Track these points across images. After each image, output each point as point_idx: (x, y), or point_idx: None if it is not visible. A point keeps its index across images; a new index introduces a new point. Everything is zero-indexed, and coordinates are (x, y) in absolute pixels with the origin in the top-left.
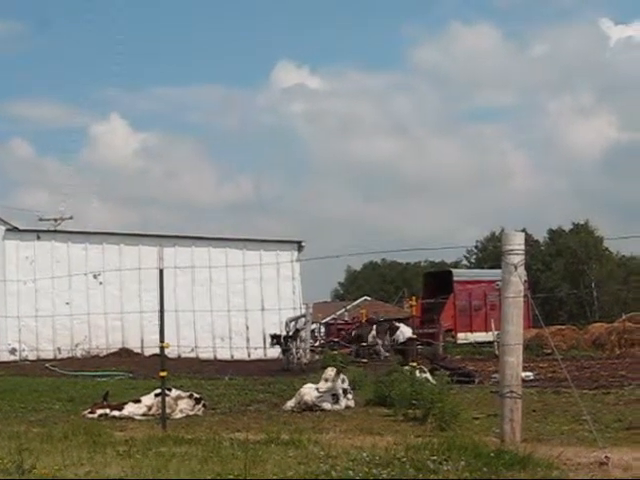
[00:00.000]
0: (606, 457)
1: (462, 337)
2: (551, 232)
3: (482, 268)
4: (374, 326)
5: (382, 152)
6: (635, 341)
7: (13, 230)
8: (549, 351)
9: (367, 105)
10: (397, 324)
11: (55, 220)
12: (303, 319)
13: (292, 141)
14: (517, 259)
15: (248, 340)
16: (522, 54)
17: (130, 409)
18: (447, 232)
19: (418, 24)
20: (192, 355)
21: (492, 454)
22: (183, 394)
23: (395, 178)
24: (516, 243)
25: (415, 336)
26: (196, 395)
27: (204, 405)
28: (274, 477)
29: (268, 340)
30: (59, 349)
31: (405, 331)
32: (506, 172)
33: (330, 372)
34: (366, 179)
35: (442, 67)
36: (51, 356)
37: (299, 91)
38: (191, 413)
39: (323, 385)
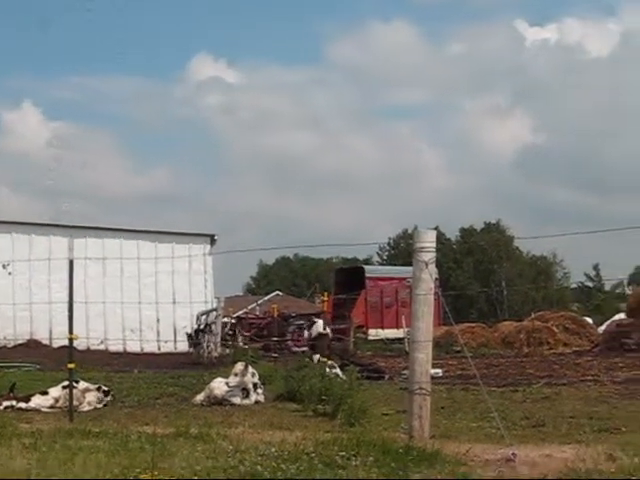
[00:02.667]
0: (513, 454)
1: (373, 333)
2: (463, 231)
3: (394, 265)
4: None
5: (298, 147)
6: (543, 340)
7: None
8: (459, 348)
9: (284, 99)
10: (315, 319)
11: None
12: (214, 313)
13: (208, 134)
14: (428, 257)
15: (158, 333)
16: (439, 53)
17: (37, 401)
18: (360, 228)
19: (336, 20)
20: (101, 347)
21: (400, 450)
22: (91, 387)
23: (311, 173)
24: (427, 241)
25: (327, 332)
26: (104, 388)
27: (112, 398)
28: (182, 471)
29: (180, 336)
30: None
31: (318, 326)
32: (420, 170)
33: (240, 366)
34: (281, 173)
35: (359, 63)
36: None
37: (216, 84)
38: (99, 406)
39: (233, 379)
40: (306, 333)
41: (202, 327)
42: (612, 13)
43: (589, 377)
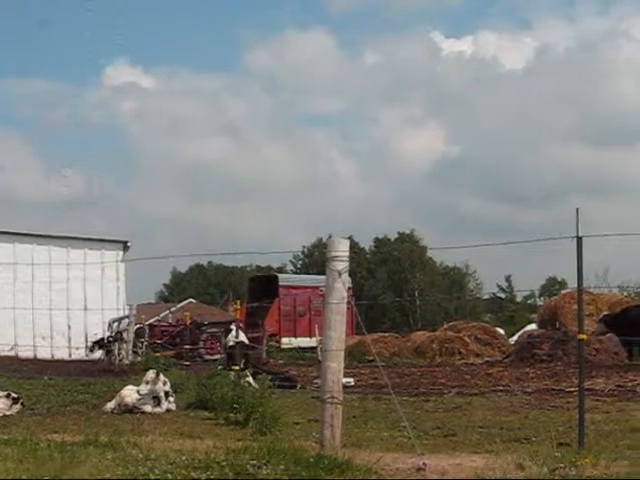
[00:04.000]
0: (423, 463)
1: (286, 342)
2: (377, 240)
3: (308, 274)
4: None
5: (213, 154)
6: (455, 350)
7: None
8: (371, 358)
9: (199, 106)
10: (232, 327)
11: None
12: (126, 320)
13: (123, 139)
14: (341, 266)
15: (70, 340)
16: (355, 62)
17: None
18: (275, 237)
19: (252, 27)
20: (12, 354)
21: (312, 459)
22: (0, 393)
23: (226, 180)
24: (341, 250)
25: (241, 340)
26: (14, 395)
27: (22, 405)
28: (90, 479)
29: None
30: None
31: (232, 335)
32: (335, 179)
33: (151, 374)
34: (197, 180)
35: (275, 71)
36: None
37: (131, 90)
38: (8, 413)
39: (144, 387)
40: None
41: (114, 334)
42: (527, 27)
43: (500, 387)
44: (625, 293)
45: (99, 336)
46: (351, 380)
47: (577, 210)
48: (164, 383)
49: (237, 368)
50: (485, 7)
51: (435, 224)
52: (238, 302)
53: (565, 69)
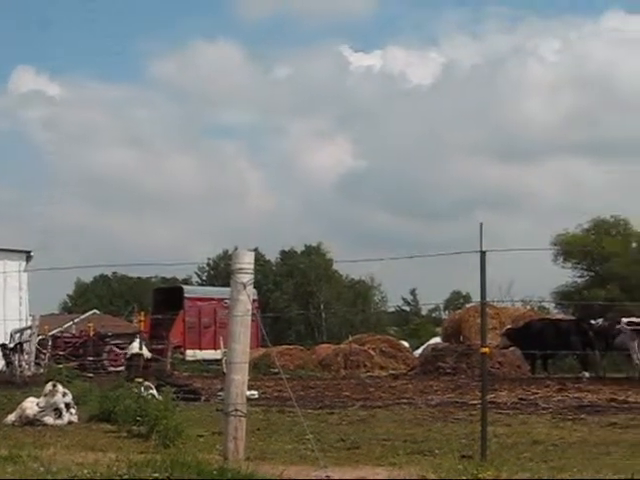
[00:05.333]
0: (327, 476)
1: (191, 354)
2: (283, 253)
3: (214, 285)
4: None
5: (120, 164)
6: (360, 362)
7: None
8: (276, 370)
9: (105, 116)
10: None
11: None
12: (29, 331)
13: (29, 148)
14: (246, 278)
15: None
16: (265, 75)
17: None
18: (181, 248)
19: (159, 38)
20: None
21: (215, 472)
22: None
23: (132, 191)
24: (246, 262)
25: (142, 352)
26: None
27: None
28: None
29: None
30: None
31: (133, 347)
32: (243, 191)
33: (49, 386)
34: (102, 191)
35: (183, 82)
36: None
37: (37, 97)
38: None
39: (43, 400)
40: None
41: (15, 345)
42: (434, 43)
43: (404, 400)
44: (528, 307)
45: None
46: (255, 393)
47: (481, 225)
48: (64, 395)
49: (139, 380)
50: (393, 22)
51: (342, 237)
52: (143, 314)
53: (471, 85)
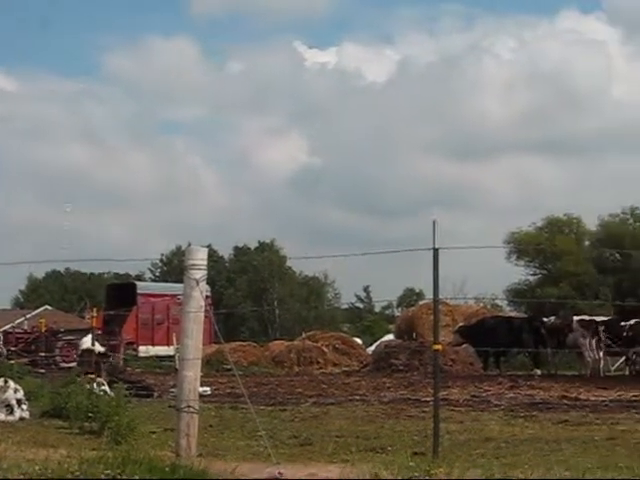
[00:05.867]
0: (279, 472)
1: (143, 350)
2: (237, 249)
3: (167, 282)
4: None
5: (74, 159)
6: (313, 359)
7: None
8: (229, 367)
9: (60, 110)
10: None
11: None
12: None
13: None
14: (199, 274)
15: None
16: (219, 71)
17: None
18: (135, 244)
19: (115, 32)
20: None
21: (167, 468)
22: None
23: (87, 187)
24: (199, 258)
25: (94, 348)
26: None
27: None
28: None
29: None
30: None
31: (84, 342)
32: (197, 187)
33: (2, 382)
34: (55, 186)
35: (138, 77)
36: None
37: None
38: None
39: None
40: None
41: None
42: (390, 41)
43: (357, 397)
44: (481, 304)
45: None
46: (208, 389)
47: (434, 222)
48: (15, 391)
49: (91, 377)
50: (349, 19)
51: (296, 234)
52: (95, 310)
53: (427, 83)
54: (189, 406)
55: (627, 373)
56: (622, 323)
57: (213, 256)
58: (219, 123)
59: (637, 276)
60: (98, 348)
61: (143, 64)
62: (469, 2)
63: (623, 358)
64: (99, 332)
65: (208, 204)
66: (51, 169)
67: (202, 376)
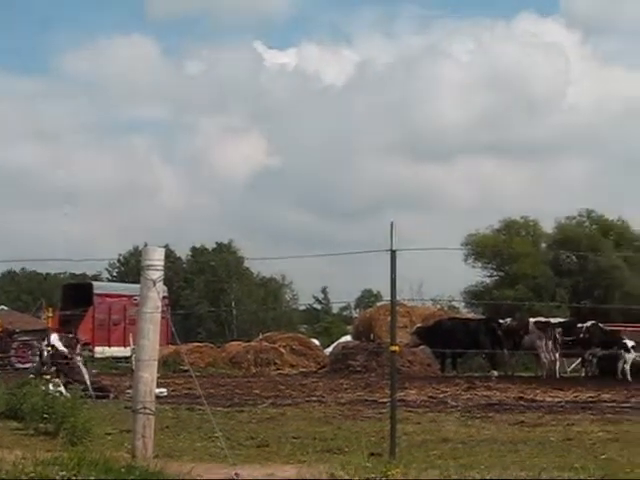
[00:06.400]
0: (236, 473)
1: (100, 351)
2: (194, 250)
3: (124, 282)
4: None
5: (29, 159)
6: (271, 360)
7: None
8: (186, 368)
9: (15, 109)
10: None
11: None
12: None
13: None
14: (156, 275)
15: None
16: (178, 71)
17: None
18: (91, 244)
19: (72, 31)
20: None
21: (123, 469)
22: None
23: (42, 186)
24: (156, 259)
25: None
26: None
27: None
28: None
29: None
30: None
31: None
32: (154, 187)
33: None
34: (9, 186)
35: (96, 77)
36: None
37: None
38: None
39: None
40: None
41: None
42: (348, 42)
43: (314, 398)
44: (438, 306)
45: None
46: (164, 390)
47: (391, 224)
48: None
49: (47, 377)
50: (308, 20)
51: (254, 235)
52: (51, 310)
53: (385, 85)
54: (145, 407)
55: (583, 374)
56: (579, 325)
57: (170, 257)
58: (178, 123)
59: (593, 278)
60: (62, 348)
61: (101, 64)
62: (427, 4)
63: (579, 360)
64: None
65: (166, 204)
66: (5, 169)
67: (158, 377)
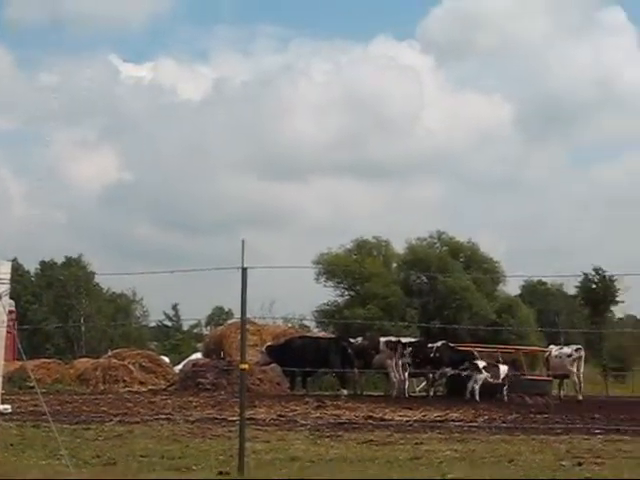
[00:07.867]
0: None
1: None
2: (43, 264)
3: None
4: None
5: None
6: (120, 377)
7: None
8: (32, 384)
9: None
10: None
11: None
12: None
13: None
14: (3, 288)
15: None
16: (31, 81)
17: None
18: None
19: None
20: None
21: None
22: None
23: None
24: (3, 272)
25: None
26: None
27: None
28: None
29: None
30: None
31: None
32: (3, 199)
33: None
34: None
35: None
36: None
37: None
38: None
39: None
40: None
41: None
42: (205, 58)
43: (163, 416)
44: (289, 324)
45: None
46: (9, 407)
47: (243, 241)
48: None
49: None
50: (166, 35)
51: (105, 249)
52: None
53: (242, 102)
54: None
55: (431, 394)
56: (429, 345)
57: (18, 270)
58: (30, 135)
59: (443, 299)
60: None
61: None
62: (285, 24)
63: (427, 379)
64: None
65: (15, 217)
66: None
67: (3, 393)
